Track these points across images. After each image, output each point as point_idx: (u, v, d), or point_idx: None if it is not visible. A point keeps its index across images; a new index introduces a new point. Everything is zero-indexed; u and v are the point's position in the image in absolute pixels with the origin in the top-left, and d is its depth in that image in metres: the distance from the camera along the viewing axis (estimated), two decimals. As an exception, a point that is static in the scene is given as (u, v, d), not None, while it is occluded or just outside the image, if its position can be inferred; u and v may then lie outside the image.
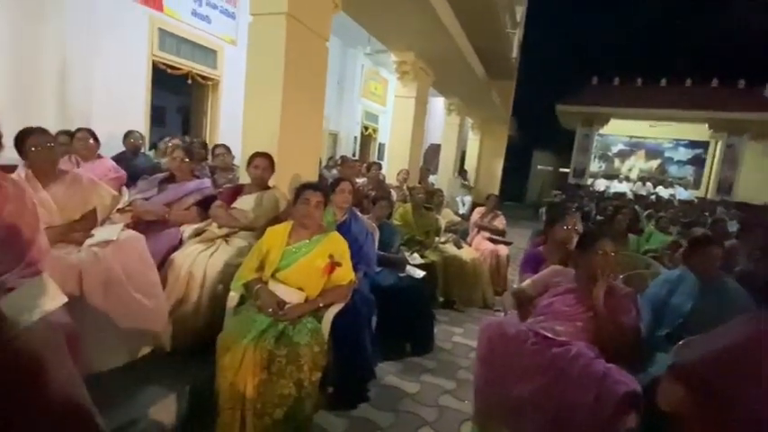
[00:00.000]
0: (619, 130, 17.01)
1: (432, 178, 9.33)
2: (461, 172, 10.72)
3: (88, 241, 2.02)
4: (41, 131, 2.02)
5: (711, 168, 15.54)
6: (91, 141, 3.35)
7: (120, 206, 2.56)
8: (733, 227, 5.58)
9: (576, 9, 21.89)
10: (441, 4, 4.73)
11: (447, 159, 9.62)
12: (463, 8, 5.49)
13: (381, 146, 11.53)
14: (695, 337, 1.72)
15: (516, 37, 9.96)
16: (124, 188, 3.01)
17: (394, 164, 6.35)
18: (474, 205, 7.43)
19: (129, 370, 2.02)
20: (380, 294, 2.65)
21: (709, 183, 15.50)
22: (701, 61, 17.35)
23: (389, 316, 2.74)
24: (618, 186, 15.07)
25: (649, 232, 5.21)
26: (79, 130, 3.39)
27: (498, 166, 12.62)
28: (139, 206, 2.62)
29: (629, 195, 13.29)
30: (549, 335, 1.80)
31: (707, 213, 8.49)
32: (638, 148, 17.46)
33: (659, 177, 16.14)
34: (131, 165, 3.87)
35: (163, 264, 2.33)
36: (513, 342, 1.78)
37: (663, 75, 16.24)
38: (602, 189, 14.90)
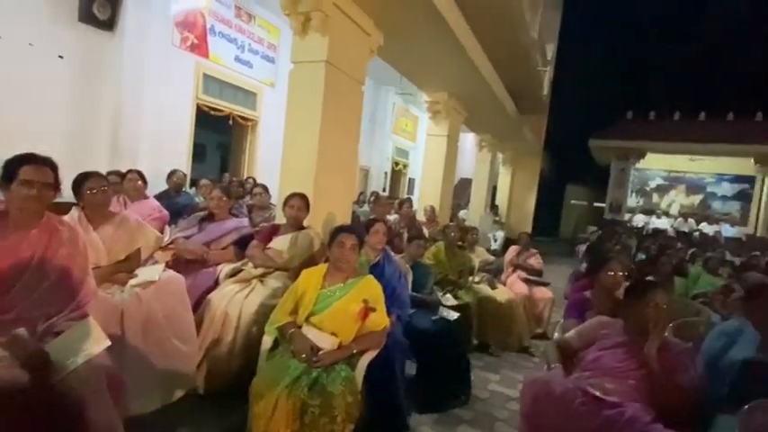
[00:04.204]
0: (656, 164, 16.53)
1: (462, 213, 9.25)
2: (492, 207, 10.58)
3: (131, 281, 2.09)
4: (98, 176, 2.14)
5: (760, 204, 14.73)
6: (139, 183, 3.52)
7: (162, 244, 2.65)
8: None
9: (607, 48, 21.75)
10: (474, 49, 4.82)
11: (478, 195, 9.55)
12: (495, 50, 5.57)
13: (411, 181, 11.63)
14: (763, 402, 1.58)
15: (547, 74, 10.00)
16: (167, 227, 3.12)
17: (425, 201, 6.35)
18: (507, 241, 7.27)
19: (164, 413, 2.02)
20: (414, 338, 2.57)
21: (758, 219, 14.64)
22: (743, 95, 16.77)
23: (423, 362, 2.65)
24: (657, 222, 14.46)
25: (697, 274, 4.89)
26: (130, 171, 3.58)
27: (530, 201, 12.39)
28: (181, 245, 2.70)
29: (670, 232, 12.69)
30: (599, 394, 1.67)
31: (758, 252, 7.94)
32: (678, 183, 16.86)
33: (702, 213, 15.41)
34: (173, 202, 4.04)
35: (199, 303, 2.37)
36: (560, 402, 1.66)
37: (701, 109, 15.80)
38: (640, 225, 14.32)
